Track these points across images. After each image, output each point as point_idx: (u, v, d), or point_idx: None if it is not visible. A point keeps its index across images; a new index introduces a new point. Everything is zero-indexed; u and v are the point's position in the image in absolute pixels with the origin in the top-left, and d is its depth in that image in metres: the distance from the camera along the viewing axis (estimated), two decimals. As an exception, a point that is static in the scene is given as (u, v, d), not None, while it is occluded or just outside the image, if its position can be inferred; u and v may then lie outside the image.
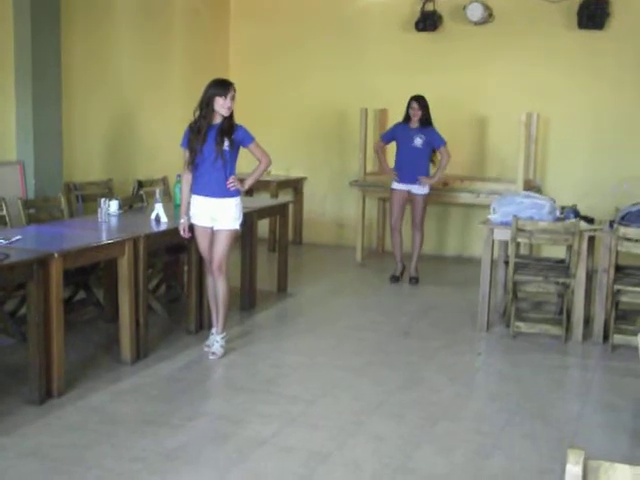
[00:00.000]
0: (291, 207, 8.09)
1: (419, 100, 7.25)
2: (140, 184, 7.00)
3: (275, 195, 8.66)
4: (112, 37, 7.57)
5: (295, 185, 9.33)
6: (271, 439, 3.97)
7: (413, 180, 7.30)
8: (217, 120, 5.08)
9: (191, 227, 5.23)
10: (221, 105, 5.01)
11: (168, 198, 6.82)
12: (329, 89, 9.16)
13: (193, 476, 3.56)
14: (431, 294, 7.17)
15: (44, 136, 6.49)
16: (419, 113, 7.23)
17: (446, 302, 6.88)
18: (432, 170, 7.44)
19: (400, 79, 8.76)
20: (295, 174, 9.33)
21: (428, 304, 6.79)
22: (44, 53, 6.46)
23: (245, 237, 6.18)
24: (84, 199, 6.80)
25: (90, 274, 5.77)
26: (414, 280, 7.53)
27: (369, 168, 8.59)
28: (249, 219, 5.91)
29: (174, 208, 5.87)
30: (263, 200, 7.95)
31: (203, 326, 5.69)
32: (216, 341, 5.28)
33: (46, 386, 4.33)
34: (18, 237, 4.64)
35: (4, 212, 5.50)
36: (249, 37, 9.51)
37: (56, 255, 4.31)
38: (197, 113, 5.09)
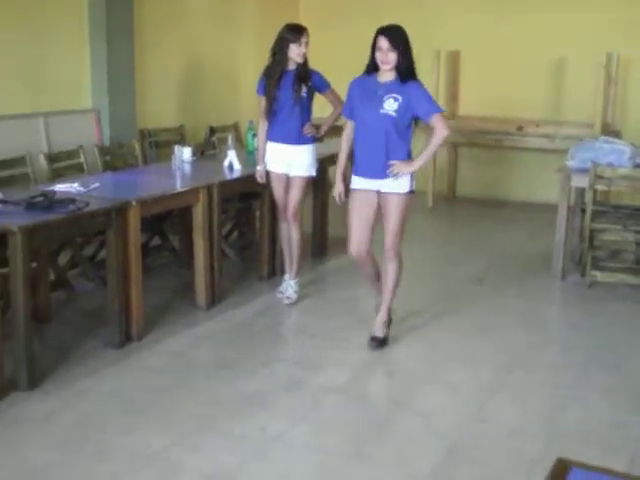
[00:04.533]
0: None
1: (391, 34, 4.17)
2: (212, 130, 7.02)
3: (345, 140, 8.57)
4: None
5: (365, 130, 9.22)
6: (345, 386, 4.01)
7: (383, 172, 4.28)
8: (291, 66, 5.05)
9: (266, 173, 5.25)
10: (296, 53, 4.98)
11: (239, 145, 6.84)
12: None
13: (268, 421, 3.62)
14: (503, 241, 7.06)
15: (118, 84, 6.57)
16: (392, 57, 4.15)
17: (519, 250, 6.77)
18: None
19: (473, 19, 8.53)
20: (365, 119, 9.21)
21: (501, 251, 6.69)
22: (117, 7, 6.50)
23: (317, 183, 6.17)
24: (157, 145, 6.87)
25: (165, 220, 5.85)
26: (376, 342, 4.52)
27: (441, 112, 8.44)
28: (321, 165, 5.88)
29: (246, 155, 5.89)
30: (334, 146, 7.88)
31: (275, 272, 5.74)
32: (290, 286, 5.33)
33: (125, 330, 4.45)
34: (96, 184, 4.73)
35: (82, 159, 5.60)
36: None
37: (134, 203, 4.38)
38: (270, 58, 5.08)
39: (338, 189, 4.53)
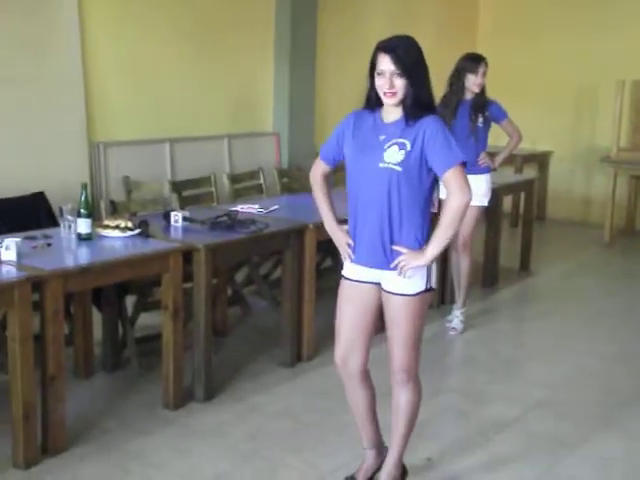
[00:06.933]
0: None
1: (397, 51, 2.79)
2: (386, 156, 7.09)
3: (520, 170, 8.43)
4: (364, 11, 7.71)
5: (541, 159, 9.02)
6: (514, 423, 3.91)
7: (384, 259, 2.92)
8: (468, 96, 5.05)
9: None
10: (472, 82, 4.99)
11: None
12: (582, 58, 8.69)
13: (434, 453, 3.58)
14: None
15: (299, 109, 6.85)
16: (399, 85, 2.78)
17: None
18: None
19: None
20: (541, 148, 9.00)
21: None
22: (302, 31, 6.83)
23: (489, 213, 6.08)
24: (336, 170, 7.00)
25: (336, 243, 5.95)
26: None
27: (622, 144, 8.11)
28: (495, 195, 5.80)
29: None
30: (508, 175, 7.76)
31: (445, 301, 5.70)
32: (456, 316, 5.28)
33: (297, 350, 4.55)
34: (275, 206, 4.90)
35: (261, 181, 5.82)
36: (498, 5, 9.28)
37: (311, 226, 4.49)
38: (447, 88, 5.09)
39: (344, 249, 3.05)
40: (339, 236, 3.07)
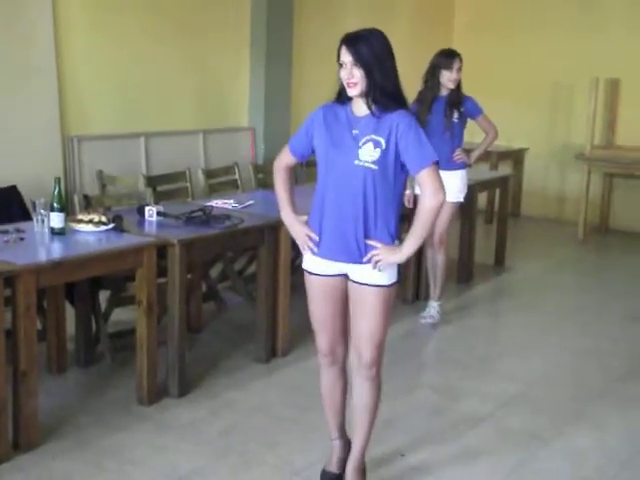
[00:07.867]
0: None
1: (357, 43, 2.82)
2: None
3: (495, 166, 8.47)
4: (341, 10, 7.70)
5: (516, 156, 9.07)
6: (488, 418, 3.93)
7: (356, 254, 2.88)
8: (443, 92, 5.07)
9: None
10: (447, 78, 5.01)
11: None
12: (557, 56, 8.74)
13: (407, 448, 3.59)
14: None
15: (274, 105, 6.84)
16: (358, 76, 2.79)
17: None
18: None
19: (636, 45, 8.22)
20: (516, 145, 9.05)
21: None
22: (278, 30, 6.79)
23: (464, 209, 6.10)
24: (308, 165, 6.99)
25: (312, 239, 5.95)
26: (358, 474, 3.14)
27: (596, 141, 8.18)
28: (470, 191, 5.82)
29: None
30: (483, 172, 7.80)
31: (419, 297, 5.72)
32: (433, 307, 5.31)
33: (272, 345, 4.54)
34: (250, 202, 4.89)
35: (236, 176, 5.80)
36: (475, 2, 9.31)
37: (286, 222, 4.47)
38: (423, 84, 5.12)
39: (303, 241, 2.98)
40: (298, 228, 3.01)
